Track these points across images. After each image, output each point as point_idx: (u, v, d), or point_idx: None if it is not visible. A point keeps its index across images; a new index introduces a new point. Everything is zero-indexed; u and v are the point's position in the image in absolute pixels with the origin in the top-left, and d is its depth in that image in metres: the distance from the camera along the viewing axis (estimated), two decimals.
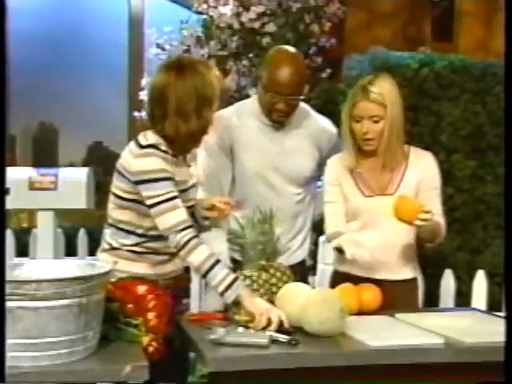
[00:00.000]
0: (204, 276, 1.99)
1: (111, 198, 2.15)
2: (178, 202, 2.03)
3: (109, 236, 2.17)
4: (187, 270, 2.35)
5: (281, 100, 2.45)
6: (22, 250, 4.22)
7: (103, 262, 1.81)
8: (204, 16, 4.70)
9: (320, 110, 4.68)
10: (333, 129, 2.70)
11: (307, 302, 1.92)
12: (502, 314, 2.85)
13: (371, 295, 2.25)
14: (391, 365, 1.80)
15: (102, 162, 5.27)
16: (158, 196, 2.00)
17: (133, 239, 2.12)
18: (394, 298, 2.33)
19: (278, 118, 2.52)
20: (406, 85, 2.47)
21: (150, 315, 1.79)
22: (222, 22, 4.54)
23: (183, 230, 2.00)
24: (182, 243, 1.99)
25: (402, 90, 2.49)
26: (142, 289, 1.84)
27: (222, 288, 1.95)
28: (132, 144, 2.09)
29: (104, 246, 2.18)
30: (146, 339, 1.76)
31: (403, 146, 2.46)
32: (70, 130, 5.68)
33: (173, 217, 2.00)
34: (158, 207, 2.01)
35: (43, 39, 5.38)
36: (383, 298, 2.28)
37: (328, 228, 2.48)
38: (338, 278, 2.51)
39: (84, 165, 5.28)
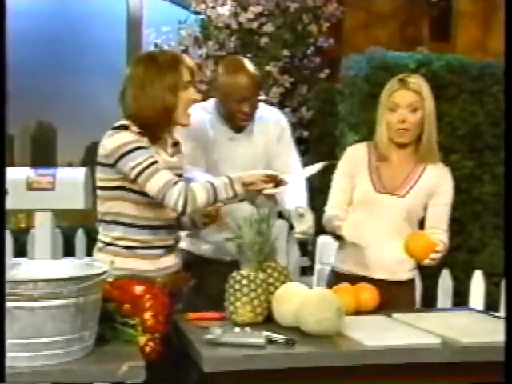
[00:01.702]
0: (215, 200, 2.12)
1: (97, 194, 2.20)
2: (159, 165, 2.09)
3: (101, 233, 2.20)
4: (187, 268, 2.36)
5: (246, 104, 2.53)
6: (20, 250, 4.22)
7: (100, 262, 1.81)
8: (202, 16, 4.71)
9: (318, 110, 4.71)
10: (280, 117, 2.75)
11: (304, 302, 1.92)
12: (500, 313, 2.86)
13: (368, 295, 2.25)
14: (388, 365, 1.80)
15: None
16: (139, 164, 2.06)
17: (122, 230, 2.15)
18: (392, 299, 2.33)
19: (243, 121, 2.58)
20: None
21: (147, 315, 1.79)
22: (220, 22, 4.54)
23: (175, 184, 2.06)
24: (182, 197, 2.05)
25: None
26: (138, 289, 1.84)
27: (230, 191, 2.11)
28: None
29: (98, 244, 2.21)
30: (142, 339, 1.76)
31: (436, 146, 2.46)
32: (69, 130, 5.67)
33: (159, 179, 2.06)
34: (143, 174, 2.06)
35: (41, 39, 5.37)
36: (382, 298, 2.28)
37: (327, 211, 2.50)
38: (335, 277, 2.52)
39: (82, 165, 5.27)
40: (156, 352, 1.77)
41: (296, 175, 2.45)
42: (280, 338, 1.83)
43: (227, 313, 2.02)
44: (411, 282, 2.54)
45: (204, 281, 2.51)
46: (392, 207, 2.41)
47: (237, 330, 1.85)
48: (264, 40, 4.49)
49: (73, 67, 5.43)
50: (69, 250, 4.30)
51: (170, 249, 2.23)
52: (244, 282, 2.01)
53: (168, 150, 2.24)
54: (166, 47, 4.60)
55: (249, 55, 4.45)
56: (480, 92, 4.06)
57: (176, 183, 2.07)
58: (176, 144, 2.29)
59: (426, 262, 2.26)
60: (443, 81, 3.97)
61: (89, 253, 4.00)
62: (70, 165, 5.47)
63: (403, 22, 5.19)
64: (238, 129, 2.62)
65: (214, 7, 4.58)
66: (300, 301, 1.93)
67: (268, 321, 2.01)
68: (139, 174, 2.06)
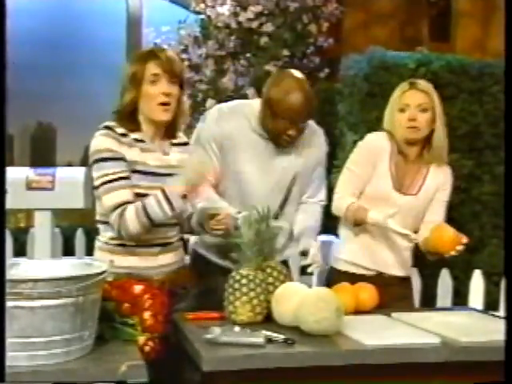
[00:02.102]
0: (151, 221, 2.08)
1: (94, 194, 2.21)
2: (122, 183, 2.10)
3: (100, 232, 2.23)
4: (193, 267, 2.36)
5: (294, 127, 2.36)
6: (20, 250, 4.22)
7: (99, 261, 1.81)
8: (202, 16, 4.71)
9: (318, 110, 4.69)
10: (324, 144, 2.60)
11: (304, 302, 1.92)
12: (499, 313, 2.86)
13: (367, 294, 2.25)
14: (387, 364, 1.80)
15: None
16: (106, 175, 2.10)
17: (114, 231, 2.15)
18: (397, 295, 2.38)
19: (285, 143, 2.41)
20: None
21: (146, 315, 1.79)
22: (219, 22, 4.54)
23: (117, 208, 2.09)
24: (117, 223, 2.09)
25: None
26: (138, 288, 1.84)
27: (166, 207, 2.06)
28: None
29: (97, 243, 2.23)
30: (142, 339, 1.76)
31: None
32: (68, 130, 5.67)
33: (115, 197, 2.09)
34: (106, 186, 2.10)
35: (41, 38, 5.37)
36: (386, 294, 2.29)
37: (345, 197, 2.46)
38: (337, 275, 2.53)
39: (82, 164, 5.26)
40: (155, 351, 1.77)
41: None
42: (279, 337, 1.83)
43: (226, 312, 2.02)
44: (409, 279, 2.63)
45: (208, 281, 2.47)
46: (405, 206, 2.45)
47: (236, 329, 1.85)
48: (264, 39, 4.49)
49: (72, 67, 5.43)
50: (68, 250, 4.30)
51: (167, 247, 2.23)
52: (243, 281, 2.01)
53: (166, 149, 2.24)
54: (165, 47, 4.59)
55: (248, 55, 4.46)
56: (479, 92, 4.05)
57: (118, 207, 2.09)
58: (180, 144, 2.28)
59: (452, 253, 2.31)
60: (442, 81, 3.96)
61: (88, 252, 4.01)
62: (69, 164, 5.47)
63: (403, 22, 5.19)
64: (277, 146, 2.44)
65: (213, 7, 4.58)
66: (299, 300, 1.93)
67: (267, 320, 2.02)
68: (103, 184, 2.10)
